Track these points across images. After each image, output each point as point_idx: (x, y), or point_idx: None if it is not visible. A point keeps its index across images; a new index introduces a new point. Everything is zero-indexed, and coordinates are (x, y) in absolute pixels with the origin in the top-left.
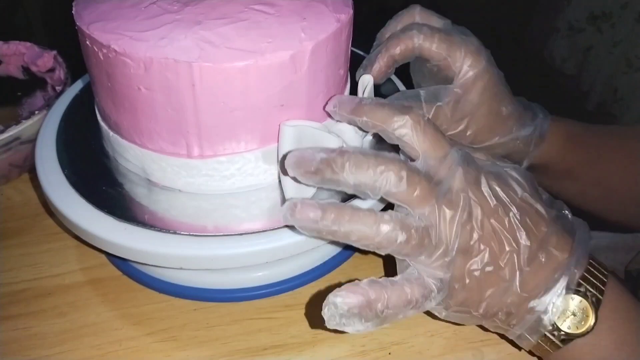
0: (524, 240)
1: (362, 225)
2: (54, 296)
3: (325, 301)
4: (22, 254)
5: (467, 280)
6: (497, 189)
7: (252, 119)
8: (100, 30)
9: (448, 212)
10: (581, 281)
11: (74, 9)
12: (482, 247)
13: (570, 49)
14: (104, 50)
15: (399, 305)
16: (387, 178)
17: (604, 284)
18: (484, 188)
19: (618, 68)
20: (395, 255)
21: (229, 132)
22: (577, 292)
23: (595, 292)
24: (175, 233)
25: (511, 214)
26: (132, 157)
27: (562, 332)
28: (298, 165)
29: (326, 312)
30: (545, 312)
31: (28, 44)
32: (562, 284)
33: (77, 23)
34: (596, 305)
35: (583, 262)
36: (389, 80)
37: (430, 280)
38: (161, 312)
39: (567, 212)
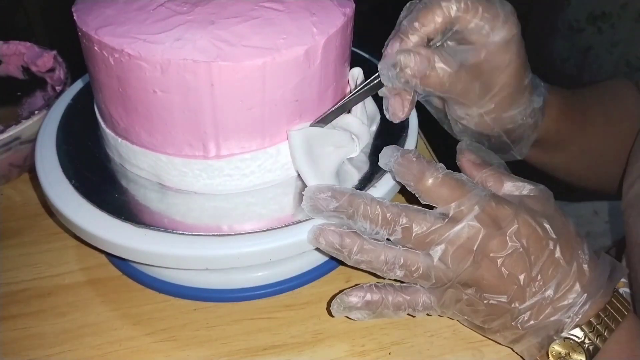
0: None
1: (370, 258)
2: (54, 296)
3: (336, 298)
4: (22, 254)
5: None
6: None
7: (269, 115)
8: (111, 35)
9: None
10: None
11: (75, 14)
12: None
13: (570, 49)
14: (116, 55)
15: (393, 308)
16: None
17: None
18: (504, 229)
19: (618, 68)
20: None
21: (246, 130)
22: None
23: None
24: (197, 234)
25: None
26: (143, 162)
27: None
28: (314, 213)
29: (334, 305)
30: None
31: (28, 44)
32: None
33: (83, 28)
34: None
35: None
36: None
37: (424, 295)
38: (161, 312)
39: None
